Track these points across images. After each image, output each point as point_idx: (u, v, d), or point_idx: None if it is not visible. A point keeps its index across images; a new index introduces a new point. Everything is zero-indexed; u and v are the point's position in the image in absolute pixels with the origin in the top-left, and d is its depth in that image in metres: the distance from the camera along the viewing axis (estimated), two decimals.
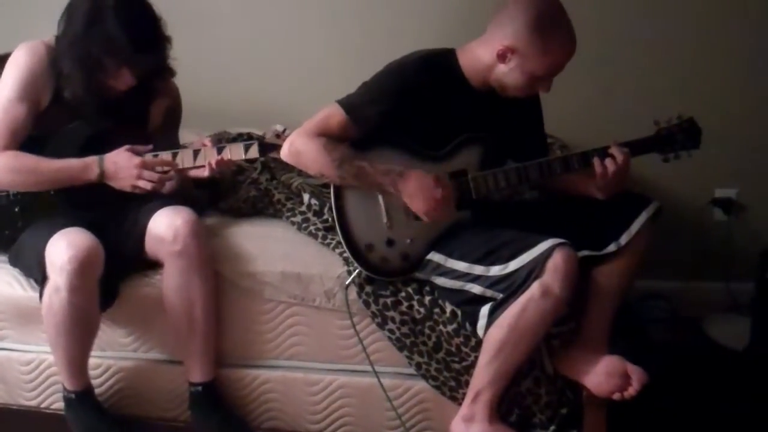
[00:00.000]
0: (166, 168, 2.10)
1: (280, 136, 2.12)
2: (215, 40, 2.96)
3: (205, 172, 2.12)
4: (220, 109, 2.91)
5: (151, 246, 2.09)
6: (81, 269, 1.93)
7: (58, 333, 2.02)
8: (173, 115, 2.29)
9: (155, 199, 2.14)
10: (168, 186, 2.11)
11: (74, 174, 2.07)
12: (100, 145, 2.09)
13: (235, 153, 2.13)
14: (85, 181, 2.07)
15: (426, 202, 1.96)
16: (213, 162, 2.10)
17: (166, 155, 2.11)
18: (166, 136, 2.24)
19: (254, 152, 2.13)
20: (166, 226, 2.05)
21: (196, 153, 2.11)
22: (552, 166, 2.05)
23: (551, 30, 1.92)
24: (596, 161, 1.99)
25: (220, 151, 2.11)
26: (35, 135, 2.10)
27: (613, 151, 2.00)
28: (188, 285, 2.06)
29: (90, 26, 1.98)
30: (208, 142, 2.13)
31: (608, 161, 1.99)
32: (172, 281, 2.07)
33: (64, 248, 1.94)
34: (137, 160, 2.07)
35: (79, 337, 2.04)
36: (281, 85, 2.97)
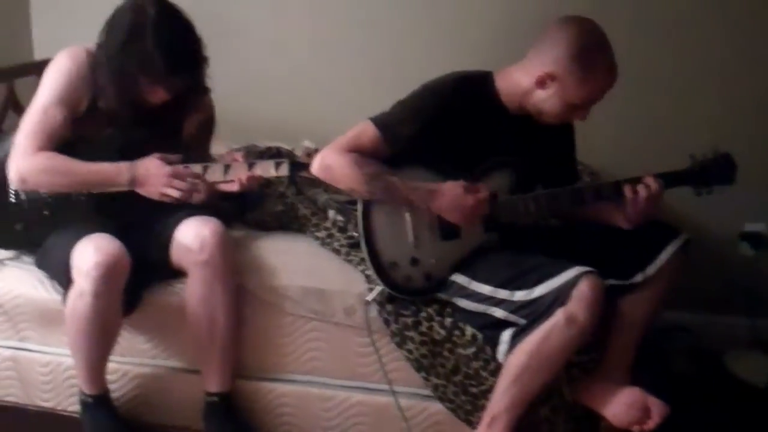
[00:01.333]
0: (195, 180, 2.10)
1: (311, 155, 2.11)
2: (246, 53, 2.99)
3: (234, 187, 2.12)
4: (249, 123, 2.93)
5: (176, 255, 2.10)
6: (107, 275, 1.94)
7: (79, 337, 2.03)
8: (207, 128, 2.30)
9: (184, 209, 2.14)
10: (196, 198, 2.11)
11: (106, 178, 2.07)
12: (133, 153, 2.10)
13: (265, 170, 2.13)
14: (116, 185, 2.07)
15: (461, 212, 1.96)
16: (243, 178, 2.10)
17: (196, 167, 2.11)
18: (198, 148, 2.25)
19: (284, 170, 2.13)
20: (193, 236, 2.06)
21: (226, 168, 2.12)
22: (584, 193, 2.03)
23: (593, 60, 1.90)
24: (627, 188, 1.98)
25: (250, 167, 2.12)
26: (70, 140, 2.10)
27: (648, 180, 1.98)
28: (211, 295, 2.06)
29: (129, 42, 1.99)
30: (239, 157, 2.14)
31: (641, 188, 1.97)
32: (195, 290, 2.07)
33: (92, 253, 1.95)
34: (168, 168, 2.07)
35: (100, 342, 2.05)
36: (312, 100, 3.00)
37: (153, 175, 2.07)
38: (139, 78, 2.02)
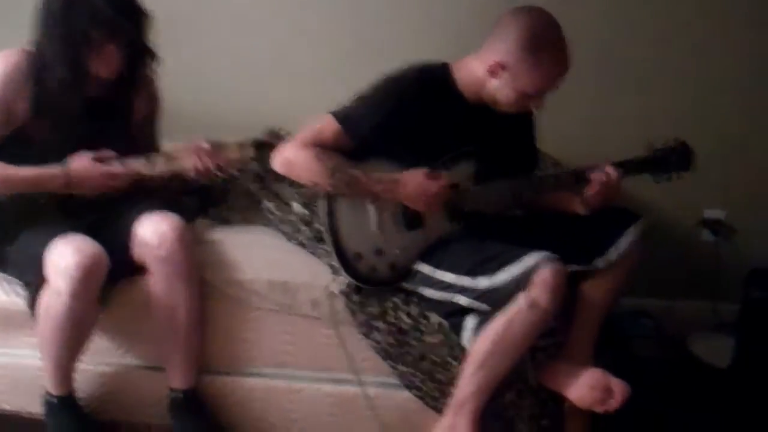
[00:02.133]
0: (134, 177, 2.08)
1: (274, 134, 2.12)
2: (211, 49, 2.96)
3: (192, 174, 2.10)
4: (215, 118, 2.91)
5: (137, 251, 2.08)
6: (86, 276, 1.93)
7: (52, 337, 2.00)
8: (153, 110, 2.29)
9: (143, 203, 2.13)
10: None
11: (39, 183, 2.05)
12: (90, 148, 2.08)
13: (231, 153, 2.11)
14: (52, 190, 2.06)
15: (425, 199, 1.98)
16: (200, 165, 2.07)
17: (137, 161, 2.09)
18: (145, 137, 2.24)
19: (249, 152, 2.11)
20: (152, 232, 2.05)
21: (168, 158, 2.10)
22: (545, 181, 2.06)
23: (543, 50, 1.92)
24: (589, 175, 2.01)
25: (214, 150, 2.09)
26: (19, 150, 2.08)
27: (607, 168, 2.02)
28: (172, 291, 2.06)
29: (69, 5, 1.98)
30: (203, 143, 2.10)
31: (599, 175, 2.00)
32: (156, 287, 2.07)
33: (70, 254, 1.94)
34: (102, 169, 2.06)
35: (72, 342, 2.03)
36: (276, 95, 2.98)
37: (88, 178, 2.05)
38: (90, 33, 1.98)
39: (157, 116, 2.31)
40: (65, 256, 1.94)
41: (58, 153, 2.07)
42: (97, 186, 2.06)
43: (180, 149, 2.11)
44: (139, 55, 2.12)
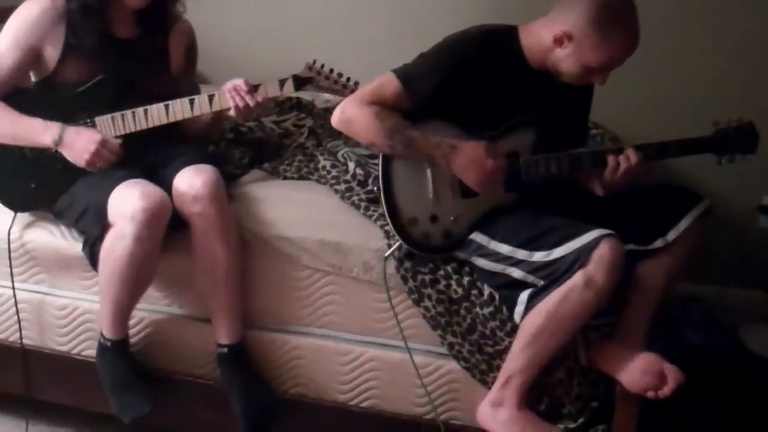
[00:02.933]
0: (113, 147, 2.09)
1: (312, 68, 2.13)
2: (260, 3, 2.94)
3: (234, 113, 2.12)
4: (256, 68, 2.89)
5: (177, 204, 2.08)
6: (152, 220, 1.94)
7: (112, 280, 2.02)
8: (191, 54, 2.29)
9: (186, 154, 2.14)
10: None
11: (31, 132, 2.08)
12: (127, 93, 2.11)
13: (271, 90, 2.13)
14: (40, 143, 2.07)
15: (477, 174, 1.94)
16: (241, 103, 2.09)
17: (183, 103, 2.11)
18: (185, 79, 2.25)
19: (290, 87, 2.13)
20: (187, 186, 2.04)
21: (210, 98, 2.11)
22: (605, 155, 2.01)
23: (611, 25, 1.86)
24: (611, 157, 1.95)
25: (255, 89, 2.11)
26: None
27: (629, 152, 1.96)
28: (209, 247, 2.06)
29: None
30: (241, 83, 2.11)
31: (621, 158, 1.95)
32: (195, 241, 2.08)
33: (137, 198, 1.95)
34: (98, 136, 2.06)
35: (132, 287, 2.04)
36: (323, 48, 2.94)
37: (82, 139, 2.06)
38: None
39: (195, 56, 2.31)
40: (131, 201, 1.95)
41: (102, 98, 2.07)
42: (84, 152, 2.05)
43: (219, 90, 2.12)
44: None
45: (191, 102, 2.11)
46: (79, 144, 2.06)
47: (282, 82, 2.13)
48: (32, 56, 2.11)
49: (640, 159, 1.95)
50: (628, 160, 1.94)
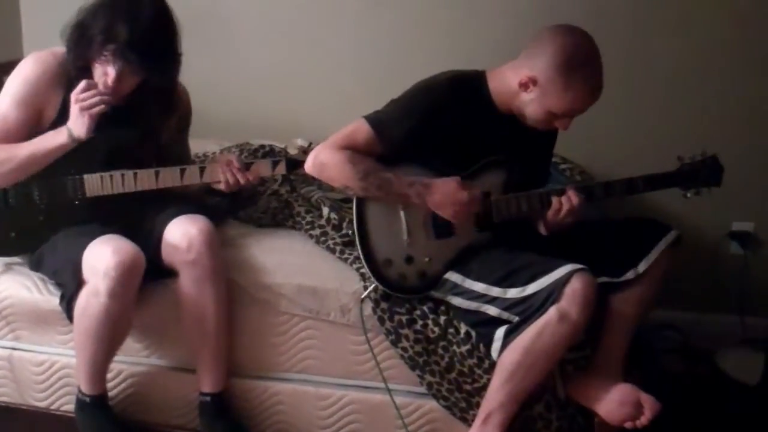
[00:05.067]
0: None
1: (306, 151, 2.13)
2: (240, 52, 2.99)
3: (223, 187, 2.13)
4: (242, 121, 2.93)
5: (166, 254, 2.10)
6: (125, 276, 1.95)
7: (88, 336, 2.02)
8: (185, 122, 2.29)
9: (173, 206, 2.15)
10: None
11: (47, 143, 2.04)
12: (117, 156, 2.11)
13: (262, 170, 2.15)
14: (60, 144, 2.02)
15: (453, 207, 1.97)
16: (231, 180, 2.11)
17: (173, 171, 2.11)
18: (176, 146, 2.25)
19: (281, 169, 2.16)
20: (180, 235, 2.06)
21: (201, 170, 2.12)
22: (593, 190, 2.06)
23: (576, 74, 1.89)
24: (554, 199, 2.00)
25: (247, 167, 2.13)
26: None
27: (570, 193, 2.00)
28: (201, 295, 2.07)
29: (101, 6, 1.98)
30: (234, 159, 2.13)
31: (564, 199, 1.99)
32: (185, 290, 2.08)
33: (110, 254, 1.95)
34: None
35: (107, 342, 2.05)
36: (305, 99, 3.00)
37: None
38: (96, 38, 1.96)
39: (188, 123, 2.30)
40: (104, 257, 1.95)
41: (91, 159, 2.09)
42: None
43: (211, 162, 2.13)
44: (159, 83, 2.09)
45: (182, 171, 2.12)
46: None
47: (275, 164, 2.15)
48: (35, 114, 2.09)
49: (581, 200, 1.99)
50: (570, 201, 1.99)
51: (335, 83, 2.98)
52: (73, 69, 2.05)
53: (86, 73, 2.03)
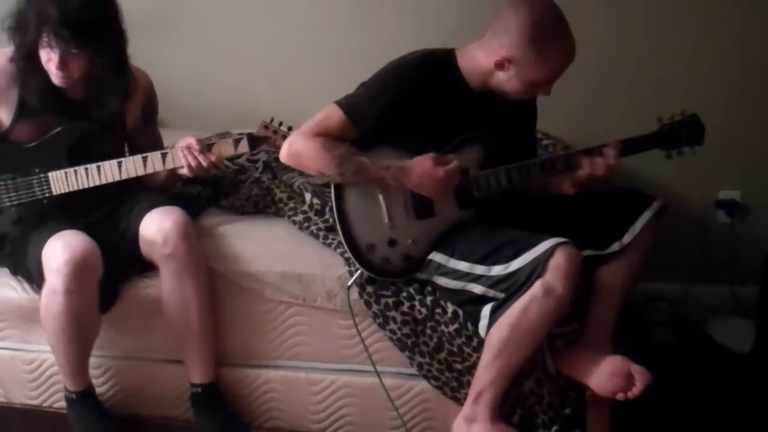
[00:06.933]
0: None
1: (268, 126, 2.11)
2: (211, 43, 2.95)
3: (186, 172, 2.10)
4: (223, 111, 2.91)
5: (144, 249, 2.09)
6: (77, 272, 1.93)
7: (56, 336, 2.01)
8: (149, 109, 2.26)
9: (148, 199, 2.13)
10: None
11: None
12: (82, 149, 2.10)
13: (225, 149, 2.11)
14: None
15: (432, 184, 1.97)
16: (193, 162, 2.07)
17: (136, 160, 2.09)
18: (145, 132, 2.23)
19: (244, 147, 2.12)
20: (156, 230, 2.04)
21: (164, 156, 2.10)
22: (554, 163, 2.05)
23: (548, 40, 1.91)
24: (585, 158, 2.01)
25: (209, 148, 2.09)
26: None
27: (606, 150, 2.02)
28: (181, 288, 2.06)
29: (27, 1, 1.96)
30: (194, 142, 2.08)
31: (599, 160, 2.00)
32: (166, 284, 2.07)
33: (60, 251, 1.94)
34: None
35: (77, 339, 2.03)
36: (278, 86, 2.97)
37: None
38: (39, 29, 1.94)
39: (154, 111, 2.28)
40: (56, 254, 1.94)
41: (56, 154, 2.07)
42: None
43: (172, 148, 2.11)
44: (106, 64, 2.05)
45: (144, 159, 2.09)
46: None
47: (237, 141, 2.11)
48: None
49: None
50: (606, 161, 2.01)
51: (310, 68, 2.95)
52: (19, 59, 2.03)
53: (32, 61, 2.01)
